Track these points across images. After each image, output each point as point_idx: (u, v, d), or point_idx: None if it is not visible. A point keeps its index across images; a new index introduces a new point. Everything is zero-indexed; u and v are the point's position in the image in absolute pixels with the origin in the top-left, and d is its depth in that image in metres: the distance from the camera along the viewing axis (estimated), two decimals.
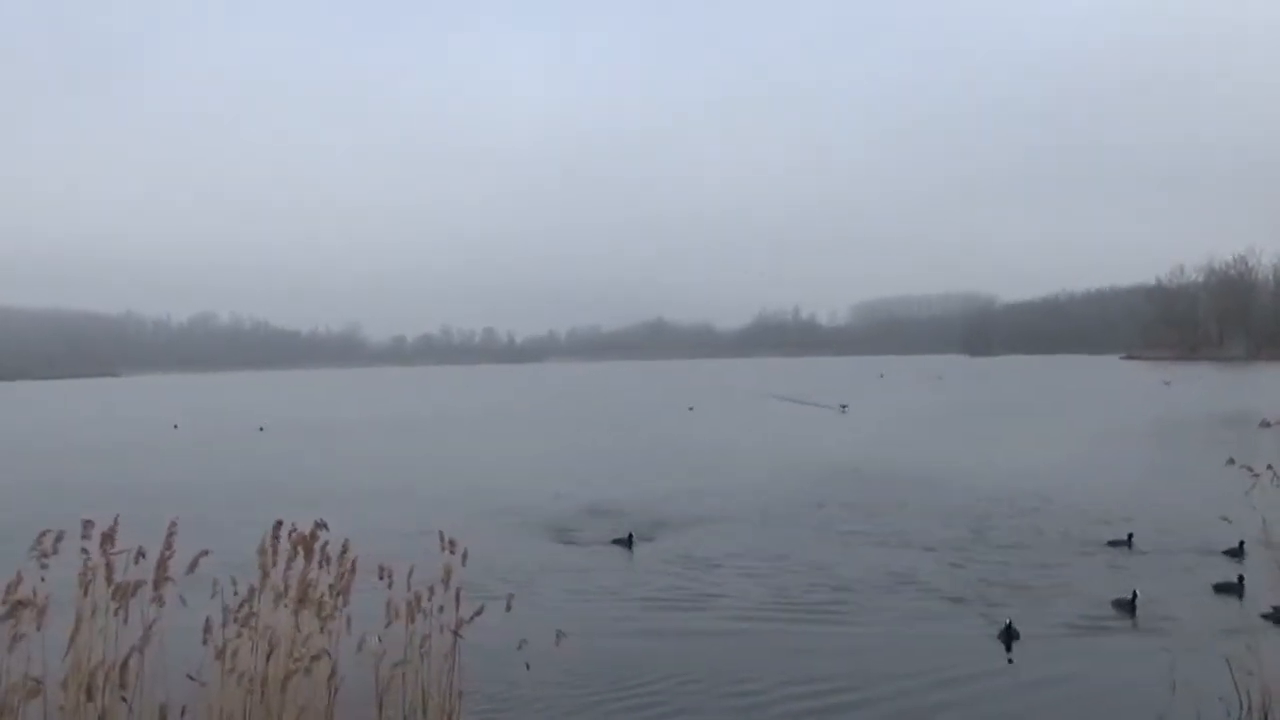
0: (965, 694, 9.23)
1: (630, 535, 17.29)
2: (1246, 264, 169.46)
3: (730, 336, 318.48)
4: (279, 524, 7.41)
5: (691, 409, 57.07)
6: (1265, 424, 36.18)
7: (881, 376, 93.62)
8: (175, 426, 50.90)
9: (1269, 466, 9.74)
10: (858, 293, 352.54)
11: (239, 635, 6.97)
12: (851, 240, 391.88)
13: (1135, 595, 11.86)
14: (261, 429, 47.38)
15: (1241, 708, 8.44)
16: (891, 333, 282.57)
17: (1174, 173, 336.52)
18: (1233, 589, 12.48)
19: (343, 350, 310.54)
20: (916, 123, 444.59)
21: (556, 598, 13.15)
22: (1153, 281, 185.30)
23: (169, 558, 6.84)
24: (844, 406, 55.05)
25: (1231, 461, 10.13)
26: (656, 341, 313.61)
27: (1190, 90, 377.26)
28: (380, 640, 7.38)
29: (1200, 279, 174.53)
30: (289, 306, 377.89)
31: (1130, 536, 15.89)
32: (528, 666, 8.38)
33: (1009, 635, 10.85)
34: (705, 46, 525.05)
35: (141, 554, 6.83)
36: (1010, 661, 10.19)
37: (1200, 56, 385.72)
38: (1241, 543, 14.30)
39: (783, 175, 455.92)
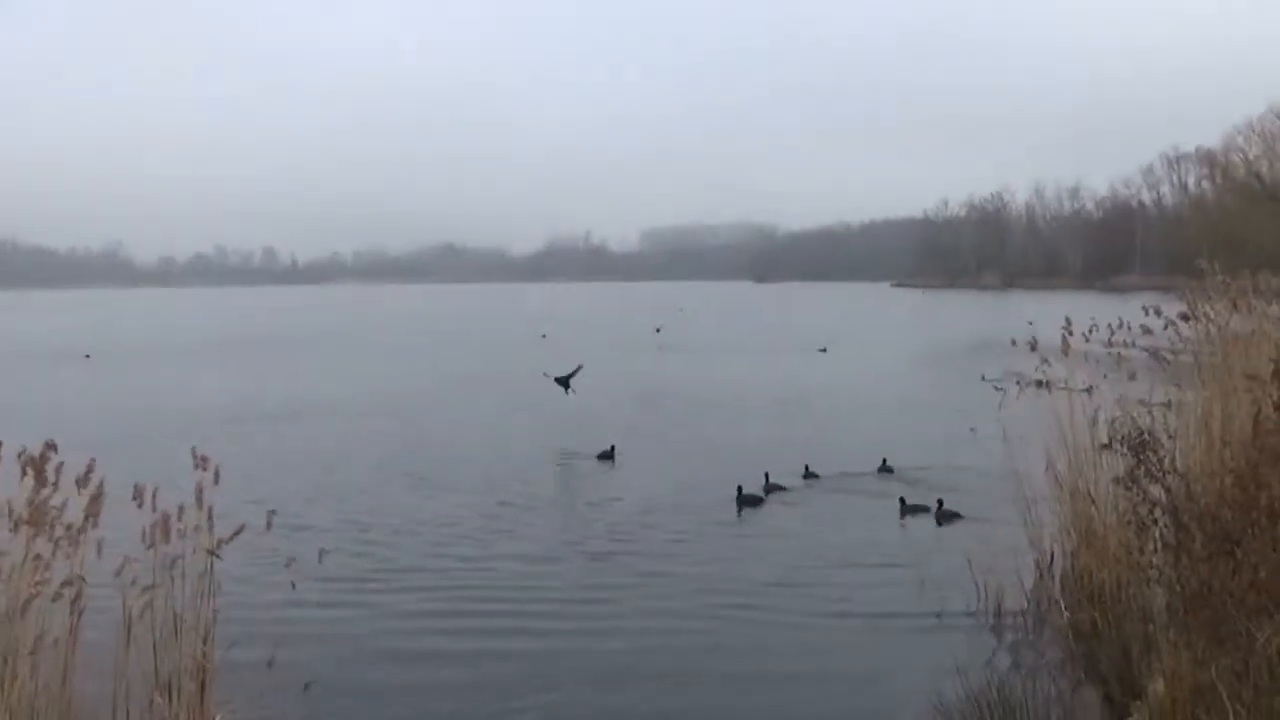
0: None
1: (613, 447, 16.98)
2: (1002, 200, 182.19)
3: (523, 261, 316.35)
4: None
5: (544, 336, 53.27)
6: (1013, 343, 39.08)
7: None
8: None
9: (1016, 381, 10.47)
10: (647, 219, 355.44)
11: None
12: (642, 169, 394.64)
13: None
14: (88, 356, 43.12)
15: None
16: (681, 259, 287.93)
17: (944, 114, 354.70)
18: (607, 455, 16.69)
19: (105, 270, 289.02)
20: (704, 59, 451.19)
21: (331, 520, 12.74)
22: (920, 215, 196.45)
23: None
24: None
25: (983, 378, 10.85)
26: (447, 265, 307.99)
27: (957, 41, 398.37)
28: (126, 564, 6.80)
29: (963, 214, 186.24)
30: (41, 222, 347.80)
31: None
32: (293, 586, 8.10)
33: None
34: None
35: None
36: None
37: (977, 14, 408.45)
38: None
39: (576, 105, 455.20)
